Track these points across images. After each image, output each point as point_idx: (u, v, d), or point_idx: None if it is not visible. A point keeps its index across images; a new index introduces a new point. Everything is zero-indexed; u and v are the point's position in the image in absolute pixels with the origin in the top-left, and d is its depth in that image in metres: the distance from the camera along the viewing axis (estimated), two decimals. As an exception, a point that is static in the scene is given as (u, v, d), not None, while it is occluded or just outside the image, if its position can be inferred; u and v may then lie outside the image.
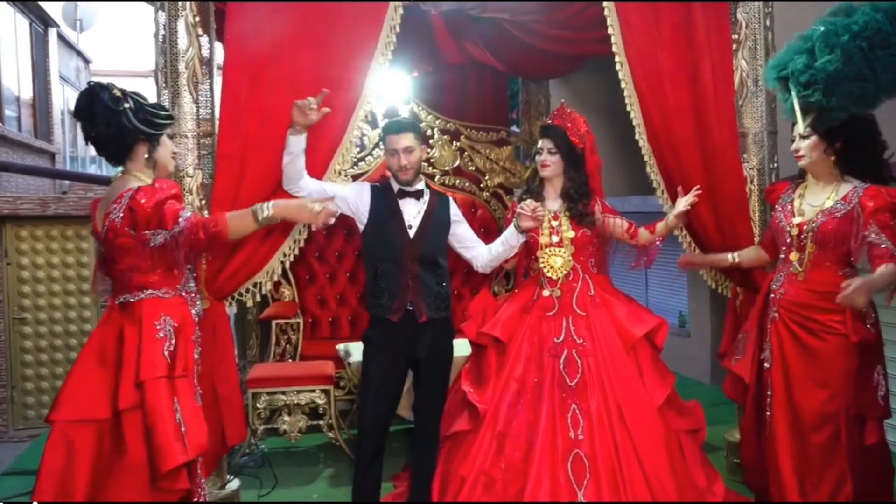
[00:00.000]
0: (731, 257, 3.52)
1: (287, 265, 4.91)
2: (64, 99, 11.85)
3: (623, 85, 3.54)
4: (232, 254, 3.22)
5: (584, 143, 3.33)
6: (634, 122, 3.56)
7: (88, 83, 2.63)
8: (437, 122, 5.45)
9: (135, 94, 2.62)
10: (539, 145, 3.34)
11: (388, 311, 3.15)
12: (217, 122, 3.25)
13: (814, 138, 3.03)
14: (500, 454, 3.06)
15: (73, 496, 2.37)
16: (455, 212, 3.36)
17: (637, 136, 3.58)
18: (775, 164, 3.80)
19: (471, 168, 5.53)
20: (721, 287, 3.84)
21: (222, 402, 3.18)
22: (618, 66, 3.51)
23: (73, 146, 12.96)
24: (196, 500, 2.61)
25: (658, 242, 3.38)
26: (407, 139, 3.17)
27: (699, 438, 3.40)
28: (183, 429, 2.44)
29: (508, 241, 3.26)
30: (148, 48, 3.36)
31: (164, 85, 3.24)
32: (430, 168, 5.44)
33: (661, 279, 8.96)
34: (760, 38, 3.72)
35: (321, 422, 4.27)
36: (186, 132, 3.25)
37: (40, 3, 9.76)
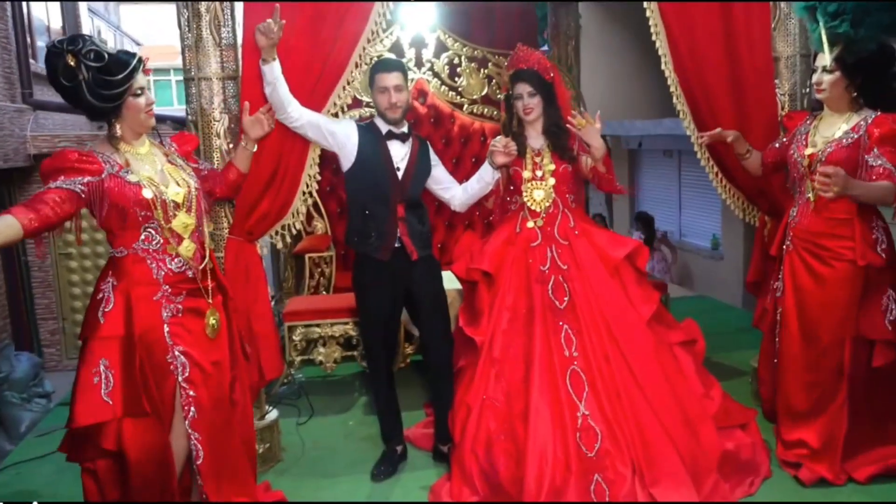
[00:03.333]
0: (746, 148, 3.50)
1: (318, 199, 5.08)
2: (93, 31, 11.87)
3: (648, 13, 3.46)
4: (259, 199, 3.29)
5: (553, 78, 3.38)
6: (660, 53, 3.50)
7: (51, 42, 2.41)
8: (464, 49, 5.37)
9: (91, 54, 2.38)
10: (516, 91, 3.35)
11: (377, 250, 3.26)
12: (241, 64, 3.26)
13: (837, 73, 3.00)
14: (499, 379, 3.19)
15: None
16: (433, 156, 3.46)
17: (663, 66, 3.52)
18: (808, 89, 3.71)
19: (499, 96, 5.45)
20: (749, 216, 3.82)
21: (258, 338, 3.29)
22: (643, -2, 3.43)
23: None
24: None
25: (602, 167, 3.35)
26: (397, 77, 3.24)
27: (697, 349, 3.50)
28: (105, 390, 2.45)
29: (483, 177, 3.39)
30: None
31: (186, 28, 3.24)
32: (458, 97, 5.40)
33: (694, 202, 8.88)
34: (795, -38, 3.59)
35: (354, 352, 4.40)
36: (211, 75, 3.26)
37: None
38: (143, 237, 2.54)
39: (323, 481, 3.39)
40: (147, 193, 2.51)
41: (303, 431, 3.92)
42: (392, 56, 4.99)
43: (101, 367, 2.46)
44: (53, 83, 2.42)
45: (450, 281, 3.68)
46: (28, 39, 7.91)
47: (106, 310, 2.49)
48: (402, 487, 3.32)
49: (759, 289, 3.76)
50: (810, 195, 3.15)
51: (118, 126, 2.54)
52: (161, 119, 9.01)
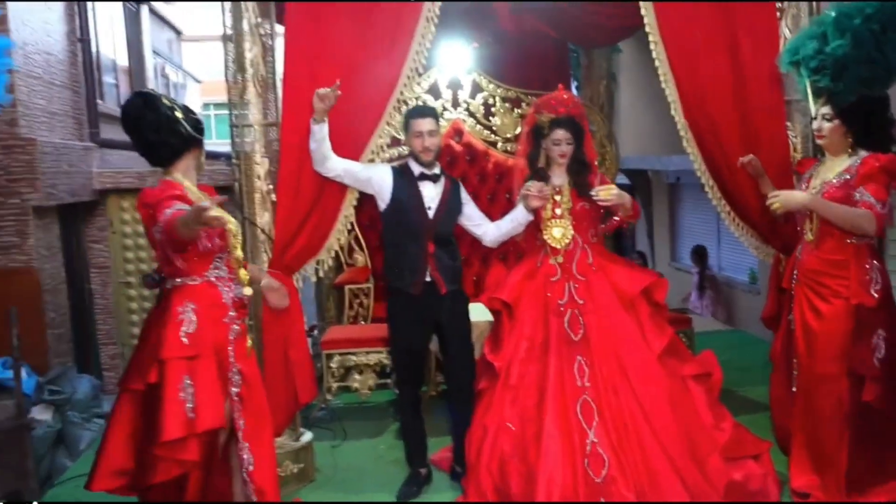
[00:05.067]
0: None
1: (359, 232, 5.36)
2: (156, 70, 12.51)
3: (657, 63, 3.66)
4: (296, 236, 3.57)
5: (584, 121, 3.56)
6: (669, 99, 3.69)
7: (139, 92, 2.85)
8: (498, 90, 5.61)
9: (175, 101, 2.86)
10: (555, 135, 3.48)
11: (409, 285, 3.52)
12: (280, 114, 3.58)
13: (836, 121, 3.16)
14: (514, 404, 3.36)
15: (118, 454, 2.75)
16: (465, 195, 3.70)
17: (672, 112, 3.70)
18: (815, 132, 3.85)
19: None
20: (762, 253, 3.96)
21: (293, 365, 3.56)
22: (651, 45, 3.63)
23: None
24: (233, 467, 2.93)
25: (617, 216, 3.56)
26: (430, 123, 3.52)
27: (712, 382, 3.57)
28: (190, 405, 2.66)
29: (517, 218, 3.57)
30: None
31: (233, 81, 3.57)
32: (493, 135, 5.63)
33: (732, 236, 8.88)
34: (804, 6, 3.74)
35: (388, 380, 4.63)
36: (254, 123, 3.59)
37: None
38: (213, 265, 2.84)
39: (352, 501, 3.61)
40: (232, 225, 2.82)
41: (336, 454, 4.17)
42: (430, 98, 5.29)
43: (185, 384, 2.69)
44: (143, 123, 2.77)
45: (482, 313, 3.88)
46: (96, 80, 8.44)
47: (188, 331, 2.74)
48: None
49: (775, 323, 3.88)
50: (810, 235, 3.30)
51: (184, 164, 2.88)
52: (215, 156, 9.47)
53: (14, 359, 4.89)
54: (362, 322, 5.26)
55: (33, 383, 5.69)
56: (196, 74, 17.43)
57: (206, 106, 20.39)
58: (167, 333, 2.71)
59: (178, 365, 2.69)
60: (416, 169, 3.57)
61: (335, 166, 3.51)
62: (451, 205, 3.61)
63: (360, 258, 5.49)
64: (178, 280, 2.80)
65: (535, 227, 3.61)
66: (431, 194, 3.56)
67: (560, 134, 3.49)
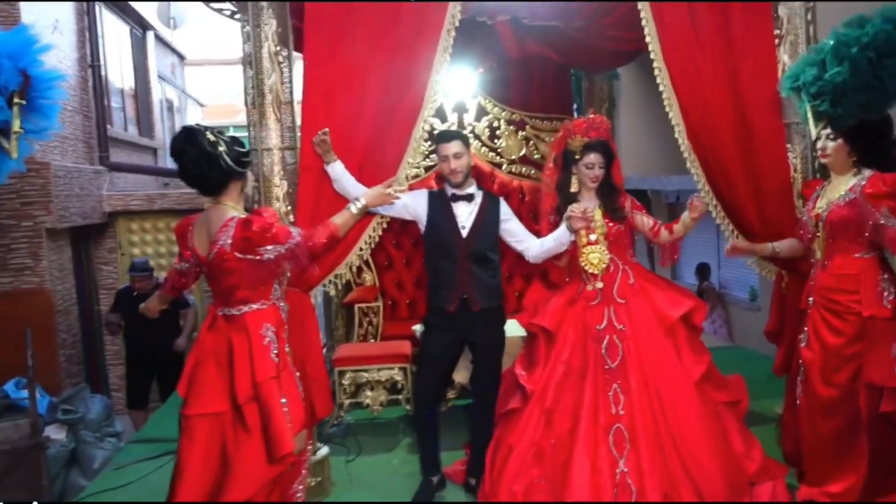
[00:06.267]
0: (770, 247, 3.76)
1: (367, 253, 5.47)
2: (162, 94, 12.69)
3: (661, 88, 3.77)
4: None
5: (612, 143, 3.62)
6: (673, 122, 3.80)
7: (184, 127, 2.98)
8: (503, 113, 5.78)
9: (221, 135, 2.98)
10: (587, 159, 3.53)
11: (446, 302, 3.61)
12: (299, 137, 3.70)
13: (840, 141, 3.28)
14: (549, 428, 3.39)
15: (209, 475, 2.84)
16: (505, 210, 3.75)
17: (676, 135, 3.83)
18: (816, 153, 3.98)
19: (536, 156, 5.83)
20: (765, 270, 4.07)
21: (311, 381, 3.64)
22: (656, 71, 3.77)
23: (171, 135, 13.87)
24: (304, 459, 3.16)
25: (678, 239, 3.63)
26: (456, 146, 3.61)
27: (740, 409, 3.63)
28: (288, 414, 2.89)
29: (560, 238, 3.56)
30: (237, 37, 3.75)
31: (252, 106, 3.70)
32: (498, 157, 5.78)
33: (732, 254, 9.13)
34: (802, 33, 3.87)
35: (400, 396, 4.74)
36: (272, 147, 3.71)
37: (137, 8, 10.50)
38: (275, 287, 3.02)
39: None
40: None
41: (351, 468, 4.25)
42: (436, 121, 5.43)
43: (283, 402, 2.89)
44: (186, 156, 2.91)
45: (517, 329, 3.89)
46: (105, 104, 8.62)
47: (275, 352, 2.93)
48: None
49: (778, 338, 3.99)
50: (819, 254, 3.41)
51: (232, 194, 3.02)
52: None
53: (28, 379, 5.00)
54: (371, 340, 5.36)
55: (46, 403, 5.79)
56: (199, 98, 17.63)
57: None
58: (258, 357, 2.87)
59: (273, 384, 2.87)
60: (450, 190, 3.69)
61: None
62: (486, 223, 3.67)
63: (369, 277, 5.60)
64: (248, 307, 2.94)
65: (574, 254, 3.62)
66: (465, 213, 3.65)
67: (593, 157, 3.53)
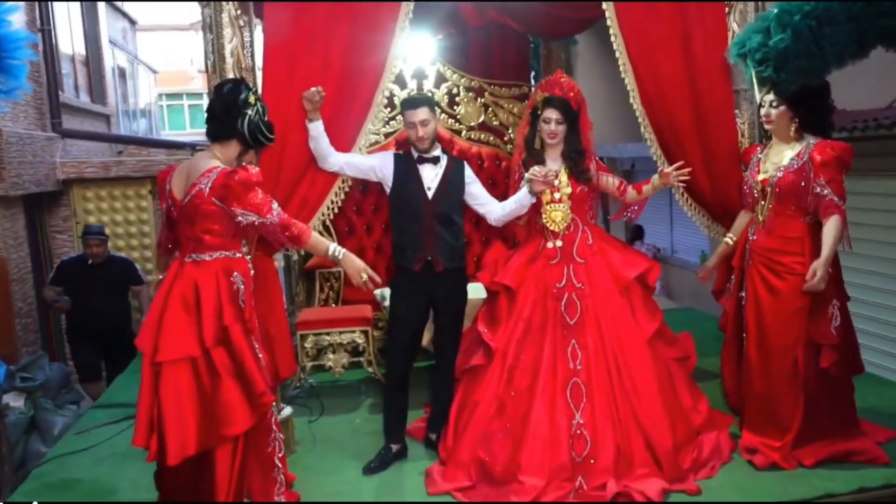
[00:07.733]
0: (726, 242, 3.97)
1: (329, 218, 5.50)
2: (113, 60, 12.42)
3: (617, 55, 3.88)
4: (297, 185, 3.72)
5: (580, 106, 3.68)
6: (629, 88, 3.92)
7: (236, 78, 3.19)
8: (462, 80, 5.80)
9: (261, 103, 3.09)
10: (545, 115, 3.64)
11: (411, 261, 3.69)
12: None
13: (783, 107, 3.44)
14: (509, 383, 3.53)
15: (188, 421, 2.85)
16: (469, 174, 3.83)
17: (631, 100, 3.95)
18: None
19: (495, 123, 5.89)
20: (713, 232, 4.24)
21: (275, 341, 3.68)
22: (612, 38, 3.87)
23: (123, 102, 13.60)
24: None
25: (645, 199, 3.78)
26: (423, 112, 3.66)
27: (689, 365, 3.84)
28: (261, 360, 2.99)
29: (520, 200, 3.68)
30: (189, 2, 3.78)
31: (212, 71, 3.70)
32: (457, 124, 5.81)
33: (684, 220, 9.36)
34: (751, 2, 4.01)
35: (361, 358, 4.83)
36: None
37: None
38: (243, 242, 3.11)
39: (330, 470, 3.79)
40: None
41: (314, 428, 4.34)
42: (395, 88, 5.46)
43: (254, 345, 3.01)
44: (221, 95, 3.06)
45: (479, 291, 4.03)
46: (56, 70, 8.42)
47: (243, 299, 2.99)
48: (402, 473, 3.73)
49: (723, 296, 4.18)
50: (761, 217, 3.59)
51: (241, 159, 3.13)
52: (179, 146, 9.45)
53: (-15, 348, 4.98)
54: (332, 304, 5.43)
55: (4, 371, 5.74)
56: (151, 65, 17.26)
57: (159, 97, 20.20)
58: (226, 301, 2.93)
59: (240, 327, 2.94)
60: (416, 153, 3.75)
61: (337, 161, 3.69)
62: (451, 185, 3.74)
63: (330, 243, 5.63)
64: (219, 253, 3.00)
65: (535, 211, 3.74)
66: (430, 175, 3.72)
67: (549, 112, 3.62)
